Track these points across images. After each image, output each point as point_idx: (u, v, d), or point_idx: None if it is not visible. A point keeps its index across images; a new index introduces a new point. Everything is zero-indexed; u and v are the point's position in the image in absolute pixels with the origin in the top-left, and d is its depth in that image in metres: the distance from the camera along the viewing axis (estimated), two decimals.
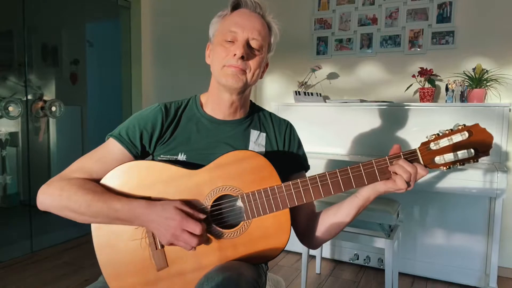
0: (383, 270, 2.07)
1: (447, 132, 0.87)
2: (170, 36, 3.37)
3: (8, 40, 2.69)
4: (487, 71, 2.32)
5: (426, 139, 0.88)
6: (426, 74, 2.44)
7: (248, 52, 0.96)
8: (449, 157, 0.85)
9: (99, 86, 3.45)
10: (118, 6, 3.27)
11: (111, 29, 3.50)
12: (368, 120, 2.49)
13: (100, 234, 0.94)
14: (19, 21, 2.66)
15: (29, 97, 2.73)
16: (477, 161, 0.85)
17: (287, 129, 1.11)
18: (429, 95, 2.43)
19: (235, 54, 0.94)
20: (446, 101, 2.39)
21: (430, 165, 0.88)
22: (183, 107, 1.05)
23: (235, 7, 1.00)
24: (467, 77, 2.35)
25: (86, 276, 2.31)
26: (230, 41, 0.96)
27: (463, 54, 2.47)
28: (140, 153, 1.00)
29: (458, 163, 0.86)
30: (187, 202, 0.89)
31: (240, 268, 0.83)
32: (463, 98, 2.34)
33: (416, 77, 2.49)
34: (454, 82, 2.35)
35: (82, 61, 3.17)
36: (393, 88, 2.68)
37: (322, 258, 2.52)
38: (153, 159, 1.01)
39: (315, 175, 0.90)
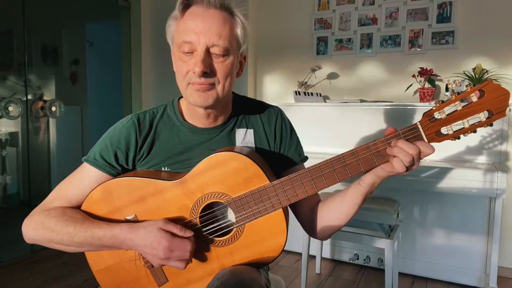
0: (383, 270, 2.07)
1: (453, 97, 0.74)
2: None
3: (8, 40, 2.69)
4: (487, 71, 2.32)
5: (429, 108, 0.76)
6: (426, 74, 2.44)
7: (211, 62, 0.82)
8: (457, 125, 0.74)
9: (99, 86, 3.45)
10: (118, 6, 3.27)
11: (111, 29, 3.50)
12: (368, 120, 2.49)
13: (96, 259, 0.93)
14: (19, 21, 2.66)
15: (29, 97, 2.73)
16: (492, 124, 0.73)
17: (278, 118, 1.01)
18: (429, 95, 2.43)
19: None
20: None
21: (435, 139, 0.77)
22: (159, 117, 0.95)
23: (187, 5, 0.84)
24: (467, 77, 2.35)
25: (86, 276, 2.31)
26: (188, 53, 0.83)
27: (463, 54, 2.47)
28: (121, 171, 0.93)
29: (469, 131, 0.75)
30: (172, 220, 0.85)
31: (251, 273, 0.81)
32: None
33: (416, 77, 2.49)
34: (454, 82, 2.35)
35: (82, 61, 3.17)
36: (393, 88, 2.68)
37: (322, 258, 2.52)
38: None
39: (306, 169, 0.83)
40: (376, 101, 2.56)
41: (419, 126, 0.77)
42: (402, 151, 0.76)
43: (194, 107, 0.90)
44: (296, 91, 2.73)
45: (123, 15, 3.33)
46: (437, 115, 0.76)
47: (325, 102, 2.75)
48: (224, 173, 0.84)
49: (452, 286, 2.28)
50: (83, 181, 0.92)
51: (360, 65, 2.78)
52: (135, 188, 0.88)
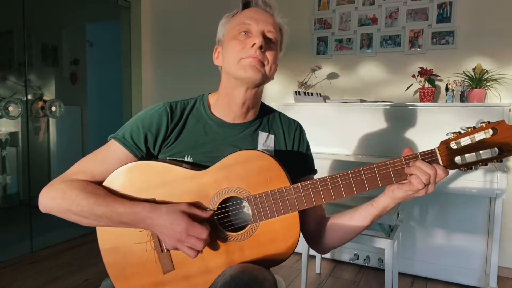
0: (383, 270, 2.07)
1: (469, 130, 0.81)
2: (170, 36, 3.37)
3: (8, 40, 2.69)
4: (487, 71, 2.32)
5: (446, 137, 0.82)
6: (426, 74, 2.44)
7: (265, 44, 0.92)
8: (471, 157, 0.80)
9: (99, 86, 3.45)
10: (118, 6, 3.27)
11: (111, 29, 3.50)
12: (368, 120, 2.49)
13: (105, 237, 0.93)
14: (19, 21, 2.66)
15: (29, 97, 2.73)
16: (501, 161, 0.80)
17: (297, 130, 1.08)
18: (429, 95, 2.43)
19: (253, 44, 0.90)
20: (446, 101, 2.39)
21: (450, 166, 0.82)
22: (190, 108, 1.01)
23: (246, 5, 0.97)
24: (467, 77, 2.35)
25: (86, 276, 2.31)
26: (244, 34, 0.92)
27: (463, 54, 2.47)
28: (145, 155, 0.96)
29: (480, 164, 0.81)
30: (192, 205, 0.87)
31: (262, 271, 0.83)
32: (463, 98, 2.34)
33: (416, 77, 2.49)
34: (454, 82, 2.35)
35: (82, 61, 3.17)
36: (393, 88, 2.68)
37: (322, 258, 2.52)
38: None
39: (326, 177, 0.86)
40: (376, 101, 2.56)
41: (437, 151, 0.83)
42: (420, 170, 0.81)
43: (233, 93, 0.95)
44: (296, 91, 2.73)
45: (123, 15, 3.33)
46: (453, 145, 0.81)
47: (325, 102, 2.75)
48: (248, 170, 0.88)
49: (452, 286, 2.28)
50: (109, 158, 0.93)
51: (360, 65, 2.78)
52: (157, 172, 0.91)
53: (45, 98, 2.84)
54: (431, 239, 2.36)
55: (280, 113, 1.10)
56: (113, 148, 0.95)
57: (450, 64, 2.50)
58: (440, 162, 0.82)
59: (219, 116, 1.00)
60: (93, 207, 0.86)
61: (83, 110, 3.22)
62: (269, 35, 0.93)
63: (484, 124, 0.79)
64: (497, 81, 2.33)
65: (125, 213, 0.86)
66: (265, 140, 1.02)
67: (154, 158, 0.98)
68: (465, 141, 0.80)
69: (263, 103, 1.08)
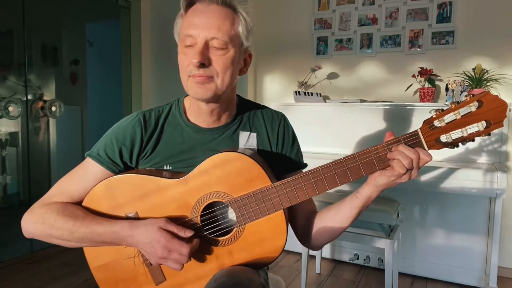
0: (383, 270, 2.07)
1: (452, 106, 0.76)
2: (170, 36, 3.36)
3: (8, 40, 2.69)
4: (487, 71, 2.32)
5: (430, 116, 0.78)
6: (426, 74, 2.44)
7: (209, 55, 0.83)
8: (456, 134, 0.76)
9: (99, 86, 3.45)
10: (118, 6, 3.27)
11: (111, 29, 3.50)
12: (368, 120, 2.49)
13: (94, 255, 0.93)
14: (19, 21, 2.66)
15: (29, 97, 2.73)
16: (489, 134, 0.75)
17: (280, 124, 1.01)
18: (429, 95, 2.43)
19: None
20: (446, 101, 2.39)
21: (435, 146, 0.78)
22: (165, 115, 0.96)
23: (190, 3, 0.87)
24: (467, 77, 2.35)
25: (86, 276, 2.31)
26: (189, 46, 0.84)
27: (463, 54, 2.47)
28: (124, 169, 0.94)
29: (467, 140, 0.76)
30: (173, 219, 0.85)
31: (248, 273, 0.82)
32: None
33: (416, 77, 2.49)
34: (454, 82, 2.35)
35: (82, 61, 3.17)
36: (393, 88, 2.68)
37: (322, 258, 2.52)
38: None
39: (307, 172, 0.84)
40: (376, 101, 2.56)
41: (420, 133, 0.79)
42: (402, 154, 0.78)
43: (198, 104, 0.91)
44: (296, 91, 2.73)
45: (123, 15, 3.33)
46: (436, 123, 0.77)
47: (325, 102, 2.75)
48: (227, 173, 0.85)
49: (452, 286, 2.28)
50: (85, 176, 0.92)
51: (360, 65, 2.78)
52: (137, 185, 0.88)
53: (45, 98, 2.84)
54: (431, 239, 2.36)
55: (262, 107, 1.04)
56: (89, 166, 0.92)
57: (450, 64, 2.50)
58: (424, 143, 0.79)
59: (194, 121, 0.96)
60: (72, 231, 0.85)
61: (83, 110, 3.23)
62: (214, 43, 0.83)
63: (468, 98, 0.75)
64: (497, 81, 2.33)
65: (104, 233, 0.85)
66: (246, 140, 0.97)
67: (135, 169, 0.95)
68: (449, 117, 0.76)
69: (243, 99, 1.03)
